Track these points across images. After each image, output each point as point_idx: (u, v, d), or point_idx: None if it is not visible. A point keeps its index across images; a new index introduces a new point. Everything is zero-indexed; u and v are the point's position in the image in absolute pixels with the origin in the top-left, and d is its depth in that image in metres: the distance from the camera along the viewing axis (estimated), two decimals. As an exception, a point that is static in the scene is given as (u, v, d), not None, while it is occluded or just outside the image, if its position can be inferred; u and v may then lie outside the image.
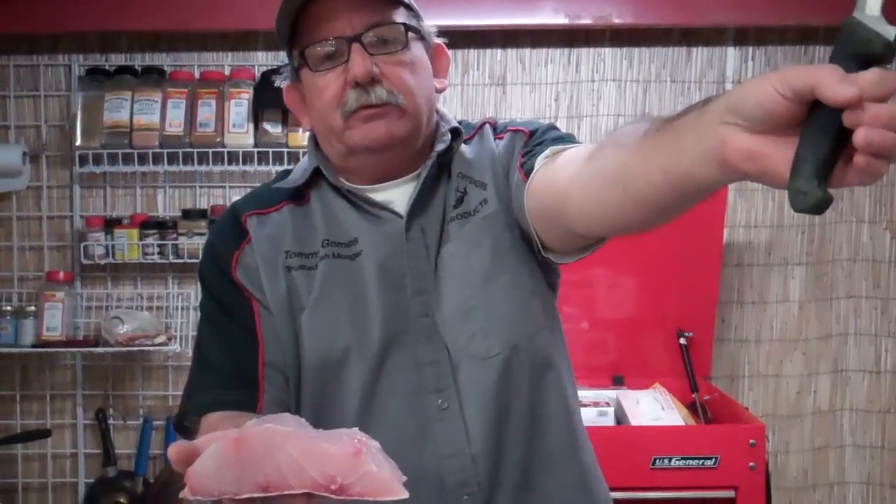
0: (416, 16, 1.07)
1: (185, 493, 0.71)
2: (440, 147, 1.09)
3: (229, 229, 1.10)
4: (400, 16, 1.04)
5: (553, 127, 1.07)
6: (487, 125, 1.14)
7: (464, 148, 1.13)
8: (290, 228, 1.09)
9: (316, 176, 1.11)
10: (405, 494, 0.70)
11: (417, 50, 1.06)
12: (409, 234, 1.07)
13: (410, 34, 1.04)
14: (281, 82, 1.14)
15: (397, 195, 1.09)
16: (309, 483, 0.69)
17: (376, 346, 1.05)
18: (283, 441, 0.71)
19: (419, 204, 1.08)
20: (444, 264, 1.07)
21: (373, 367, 1.04)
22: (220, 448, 0.71)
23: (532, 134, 1.06)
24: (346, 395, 1.05)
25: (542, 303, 1.10)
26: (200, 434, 1.02)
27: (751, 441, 2.07)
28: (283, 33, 1.05)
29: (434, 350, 1.05)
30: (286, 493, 0.70)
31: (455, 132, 1.11)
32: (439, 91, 1.11)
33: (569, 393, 1.13)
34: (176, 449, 0.73)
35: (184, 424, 1.06)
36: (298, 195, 1.11)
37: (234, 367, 1.07)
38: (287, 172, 1.16)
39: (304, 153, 1.20)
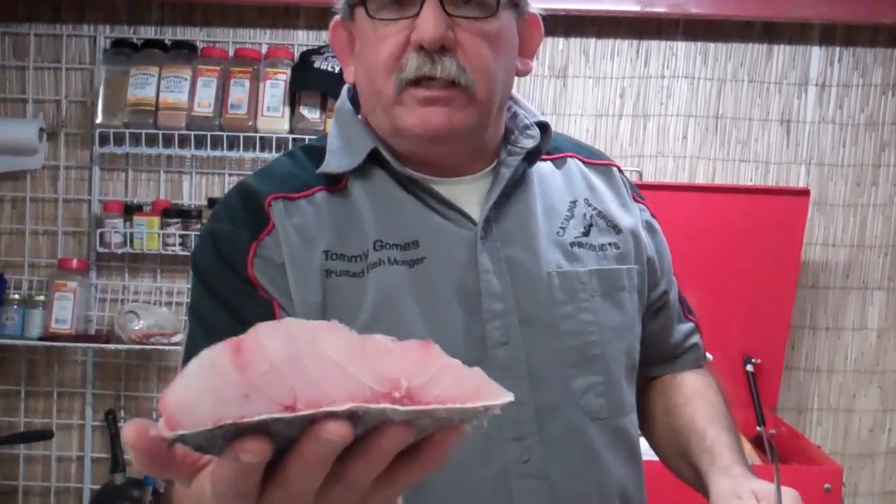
0: None
1: (159, 429, 0.42)
2: (528, 143, 0.91)
3: (243, 213, 0.87)
4: None
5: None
6: (616, 169, 1.02)
7: (589, 172, 0.99)
8: (328, 222, 0.86)
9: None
10: (510, 396, 0.45)
11: (506, 19, 0.85)
12: (485, 242, 0.87)
13: (503, 0, 0.83)
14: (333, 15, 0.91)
15: (467, 193, 0.90)
16: (359, 392, 0.43)
17: None
18: (312, 338, 0.44)
19: (499, 208, 0.89)
20: (568, 290, 0.90)
21: None
22: (212, 358, 0.44)
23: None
24: None
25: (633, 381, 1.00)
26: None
27: (826, 486, 1.86)
28: None
29: (515, 387, 0.84)
30: (324, 409, 0.42)
31: (544, 127, 0.93)
32: (521, 74, 0.91)
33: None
34: (135, 427, 0.42)
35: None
36: (333, 180, 0.89)
37: None
38: (309, 149, 0.93)
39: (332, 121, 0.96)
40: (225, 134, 2.21)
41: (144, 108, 2.20)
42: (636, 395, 0.99)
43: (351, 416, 0.43)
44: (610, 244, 0.94)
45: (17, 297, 2.26)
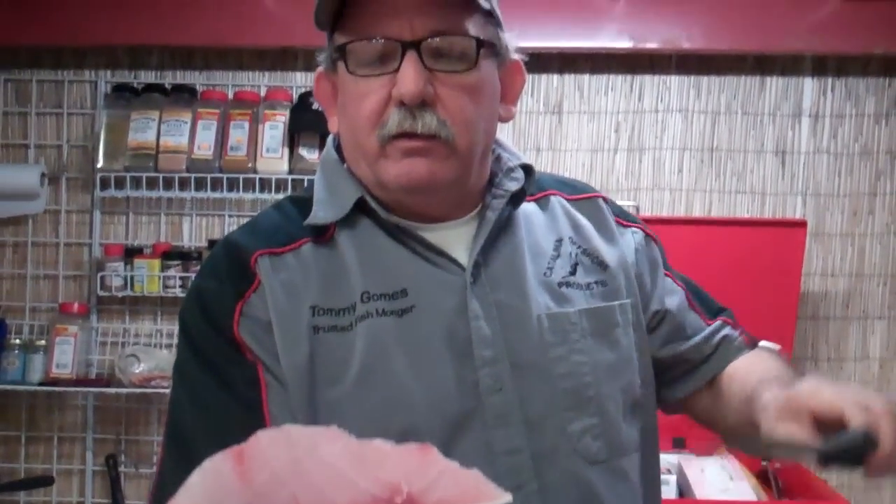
0: (497, 24, 0.87)
1: None
2: (512, 186, 0.90)
3: (229, 271, 0.85)
4: (474, 25, 0.82)
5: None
6: (601, 199, 1.00)
7: (572, 208, 0.98)
8: (314, 276, 0.85)
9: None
10: (508, 497, 0.47)
11: (487, 70, 0.84)
12: (475, 287, 0.86)
13: (483, 51, 0.83)
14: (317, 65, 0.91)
15: (453, 238, 0.89)
16: (361, 498, 0.45)
17: (441, 429, 0.81)
18: (312, 445, 0.46)
19: (487, 251, 0.88)
20: (559, 332, 0.88)
21: None
22: (215, 467, 0.46)
23: (662, 252, 1.03)
24: None
25: (641, 418, 0.95)
26: None
27: (832, 518, 1.84)
28: (323, 13, 0.83)
29: (511, 436, 0.83)
30: None
31: (527, 169, 0.92)
32: (504, 120, 0.90)
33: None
34: None
35: None
36: (319, 231, 0.87)
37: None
38: (296, 200, 0.92)
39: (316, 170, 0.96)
40: (225, 176, 2.23)
41: (145, 151, 2.22)
42: (703, 413, 1.01)
43: None
44: (597, 282, 0.93)
45: (18, 341, 2.26)
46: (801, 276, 2.18)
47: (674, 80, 2.35)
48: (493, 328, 0.85)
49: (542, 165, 2.35)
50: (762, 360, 0.98)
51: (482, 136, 0.85)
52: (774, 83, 2.35)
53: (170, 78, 2.35)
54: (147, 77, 2.36)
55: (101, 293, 2.26)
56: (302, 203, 0.90)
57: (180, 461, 0.81)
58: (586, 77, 2.35)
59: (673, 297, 1.00)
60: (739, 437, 0.95)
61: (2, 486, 2.17)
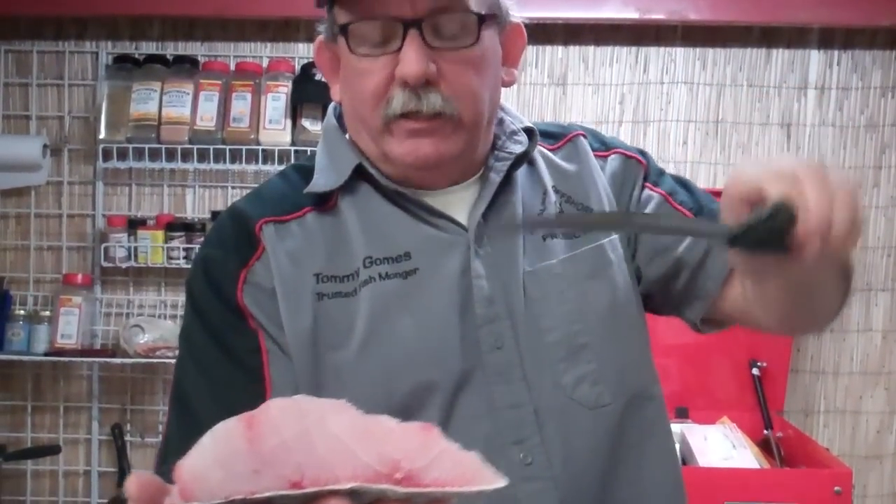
0: None
1: (173, 499, 0.46)
2: (517, 149, 0.91)
3: (233, 239, 0.87)
4: None
5: (662, 172, 1.00)
6: (581, 137, 0.97)
7: (555, 157, 0.96)
8: (318, 243, 0.86)
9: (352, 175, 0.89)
10: (504, 481, 0.47)
11: (489, 40, 0.84)
12: (476, 248, 0.87)
13: (484, 24, 0.82)
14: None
15: (456, 202, 0.90)
16: (361, 471, 0.46)
17: (448, 386, 0.83)
18: (320, 416, 0.48)
19: (488, 213, 0.89)
20: (540, 286, 0.88)
21: (438, 417, 0.83)
22: (226, 431, 0.47)
23: (648, 167, 0.98)
24: None
25: (650, 351, 0.94)
26: None
27: (836, 488, 1.86)
28: None
29: (512, 391, 0.85)
30: (328, 487, 0.46)
31: (530, 132, 0.93)
32: (507, 85, 0.90)
33: (676, 458, 0.95)
34: (138, 481, 0.48)
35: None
36: (323, 199, 0.88)
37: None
38: (300, 168, 0.93)
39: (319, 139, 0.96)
40: (227, 147, 2.22)
41: (147, 122, 2.21)
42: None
43: (352, 494, 0.45)
44: None
45: (22, 312, 2.27)
46: (804, 249, 2.17)
47: (679, 52, 2.34)
48: (494, 287, 0.86)
49: (546, 137, 2.34)
50: None
51: (487, 106, 0.85)
52: (780, 55, 2.33)
53: (171, 49, 2.34)
54: (148, 48, 2.34)
55: (104, 264, 2.26)
56: (306, 171, 0.91)
57: (183, 425, 0.84)
58: (591, 48, 2.34)
59: (648, 207, 0.96)
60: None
61: (10, 455, 2.18)
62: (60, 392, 2.37)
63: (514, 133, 0.92)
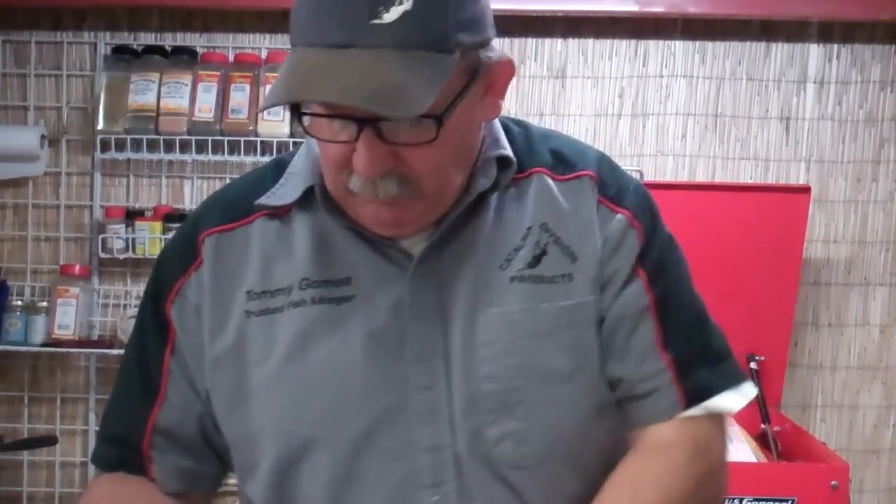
0: (478, 27, 0.76)
1: None
2: (483, 186, 0.83)
3: (182, 245, 0.88)
4: (437, 80, 0.71)
5: (670, 244, 0.90)
6: (588, 179, 0.87)
7: (556, 189, 0.87)
8: (255, 256, 0.85)
9: (310, 192, 0.85)
10: None
11: (458, 114, 0.76)
12: (417, 280, 0.82)
13: (449, 109, 0.74)
14: None
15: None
16: None
17: (357, 423, 0.81)
18: None
19: (441, 245, 0.83)
20: (491, 331, 0.82)
21: (350, 450, 0.81)
22: None
23: (647, 244, 0.86)
24: (312, 484, 0.82)
25: (609, 421, 0.86)
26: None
27: (833, 483, 1.85)
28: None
29: (435, 433, 0.81)
30: None
31: (503, 160, 0.85)
32: (489, 119, 0.85)
33: None
34: None
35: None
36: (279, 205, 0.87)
37: (121, 424, 0.89)
38: (278, 165, 0.89)
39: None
40: (226, 138, 2.21)
41: (145, 113, 2.21)
42: None
43: None
44: (563, 276, 0.84)
45: (19, 303, 2.27)
46: (803, 242, 2.17)
47: (678, 46, 2.33)
48: (430, 324, 0.82)
49: (545, 130, 2.34)
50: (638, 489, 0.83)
51: (456, 172, 0.81)
52: (780, 49, 2.33)
53: (169, 40, 2.33)
54: (147, 39, 2.34)
55: (102, 255, 2.26)
56: (281, 169, 0.89)
57: (104, 416, 0.93)
58: (590, 41, 2.33)
59: (626, 300, 0.86)
60: None
61: (6, 446, 2.18)
62: (57, 383, 2.37)
63: (485, 165, 0.84)
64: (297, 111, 0.76)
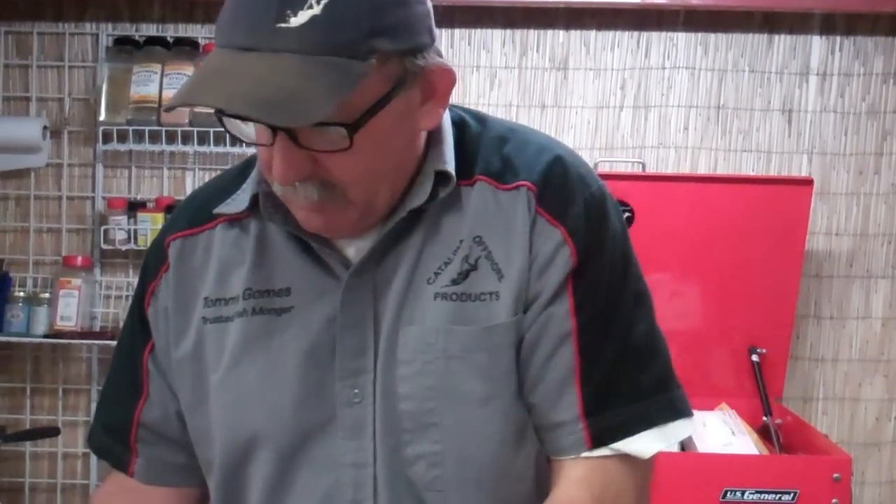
0: (403, 33, 0.72)
1: None
2: (416, 202, 0.79)
3: (154, 248, 0.90)
4: (341, 87, 0.68)
5: (618, 267, 0.82)
6: (529, 190, 0.80)
7: (498, 198, 0.81)
8: (214, 263, 0.85)
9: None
10: None
11: (382, 117, 0.72)
12: (349, 294, 0.80)
13: (365, 120, 0.71)
14: None
15: (355, 242, 0.82)
16: None
17: (289, 436, 0.81)
18: None
19: (377, 256, 0.80)
20: (409, 350, 0.79)
21: (282, 460, 0.82)
22: None
23: (582, 265, 0.79)
24: (252, 489, 0.84)
25: (529, 447, 0.82)
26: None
27: (835, 475, 1.85)
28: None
29: (359, 449, 0.80)
30: None
31: (442, 177, 0.80)
32: (429, 128, 0.80)
33: None
34: None
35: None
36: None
37: (111, 413, 0.92)
38: (246, 166, 0.88)
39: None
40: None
41: (147, 105, 2.21)
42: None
43: None
44: (489, 294, 0.80)
45: (21, 294, 2.27)
46: (805, 235, 2.17)
47: (681, 37, 2.33)
48: (362, 339, 0.80)
49: (547, 122, 2.33)
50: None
51: (385, 180, 0.77)
52: (782, 41, 2.33)
53: (172, 31, 2.34)
54: (149, 30, 2.34)
55: (104, 246, 2.27)
56: (248, 173, 0.87)
57: (98, 404, 0.96)
58: (592, 33, 2.33)
59: (545, 323, 0.80)
60: None
61: (9, 437, 2.18)
62: (59, 374, 2.38)
63: (421, 182, 0.80)
64: (219, 112, 0.72)
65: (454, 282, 0.80)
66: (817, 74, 2.33)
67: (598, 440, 0.79)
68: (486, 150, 0.84)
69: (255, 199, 0.82)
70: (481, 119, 0.88)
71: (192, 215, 0.88)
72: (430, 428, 0.79)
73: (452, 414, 0.79)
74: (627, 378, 0.81)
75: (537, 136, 0.87)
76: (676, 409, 0.82)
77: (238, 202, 0.84)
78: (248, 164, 0.88)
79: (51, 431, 2.26)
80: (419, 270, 0.80)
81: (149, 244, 2.16)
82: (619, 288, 0.82)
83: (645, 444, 0.80)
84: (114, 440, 0.90)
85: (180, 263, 0.86)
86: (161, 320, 0.87)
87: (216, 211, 0.85)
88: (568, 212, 0.80)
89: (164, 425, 0.89)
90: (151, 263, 0.89)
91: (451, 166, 0.80)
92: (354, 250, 0.82)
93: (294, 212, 0.78)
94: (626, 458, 0.80)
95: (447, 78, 0.77)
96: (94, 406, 2.35)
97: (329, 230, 0.79)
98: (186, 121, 2.21)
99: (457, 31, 2.28)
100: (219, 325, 0.84)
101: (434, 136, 0.82)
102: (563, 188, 0.81)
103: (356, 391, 0.80)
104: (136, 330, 0.89)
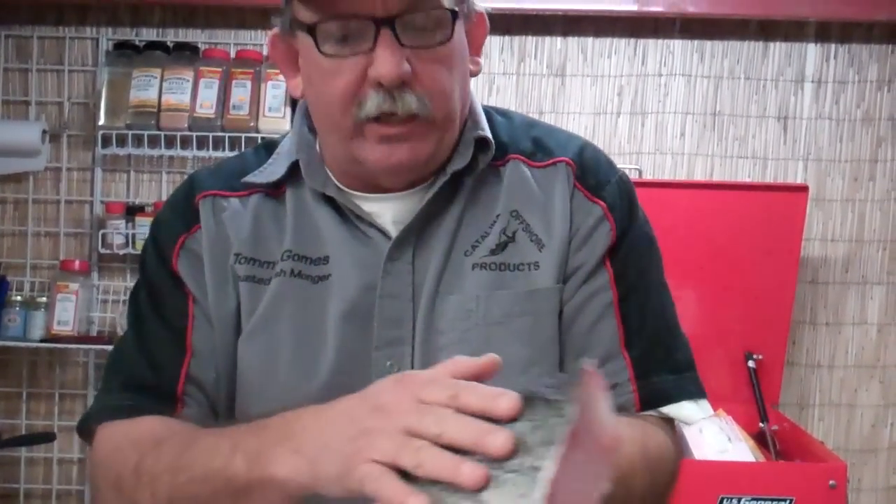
0: None
1: None
2: (458, 164, 0.84)
3: (181, 205, 0.89)
4: None
5: (646, 245, 0.88)
6: (568, 166, 0.86)
7: (531, 176, 0.86)
8: (247, 225, 0.86)
9: (296, 169, 0.86)
10: None
11: (459, 34, 0.80)
12: (391, 264, 0.82)
13: (457, 19, 0.79)
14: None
15: (393, 210, 0.84)
16: None
17: (319, 402, 0.79)
18: None
19: (417, 227, 0.83)
20: (449, 319, 0.82)
21: None
22: None
23: (620, 240, 0.84)
24: None
25: None
26: (98, 446, 0.83)
27: (831, 482, 1.85)
28: None
29: None
30: None
31: (482, 142, 0.85)
32: (474, 75, 0.86)
33: None
34: None
35: (86, 428, 0.87)
36: (274, 184, 0.88)
37: (151, 371, 0.85)
38: (269, 146, 0.91)
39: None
40: (227, 135, 2.22)
41: (147, 109, 2.21)
42: None
43: None
44: (530, 264, 0.83)
45: (19, 298, 2.26)
46: (801, 241, 2.18)
47: (677, 45, 2.35)
48: (402, 309, 0.82)
49: (545, 128, 2.34)
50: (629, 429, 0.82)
51: (458, 104, 0.82)
52: (777, 48, 2.35)
53: (171, 36, 2.34)
54: (149, 35, 2.34)
55: (102, 251, 2.26)
56: (272, 150, 0.90)
57: (107, 380, 0.88)
58: (590, 40, 2.35)
59: (588, 294, 0.84)
60: None
61: (4, 442, 2.17)
62: (56, 379, 2.36)
63: (465, 145, 0.85)
64: (311, 29, 0.76)
65: (492, 252, 0.83)
66: (812, 82, 2.35)
67: (647, 403, 0.83)
68: (515, 133, 0.89)
69: (291, 169, 0.85)
70: (503, 111, 0.93)
71: (219, 180, 0.89)
72: None
73: (493, 381, 0.80)
74: (665, 351, 0.85)
75: (560, 128, 0.94)
76: (702, 388, 0.87)
77: (270, 173, 0.87)
78: (269, 144, 0.91)
79: (46, 437, 2.24)
80: (457, 243, 0.84)
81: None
82: (648, 268, 0.87)
83: (689, 411, 0.84)
84: (153, 397, 0.84)
85: (214, 219, 0.86)
86: (197, 270, 0.85)
87: (247, 179, 0.87)
88: (605, 189, 0.86)
89: (210, 379, 0.85)
90: (174, 222, 0.87)
91: (488, 133, 0.85)
92: (391, 220, 0.84)
93: (368, 152, 0.79)
94: (666, 425, 0.84)
95: (483, 25, 0.85)
96: (90, 410, 2.35)
97: (411, 159, 0.79)
98: (186, 125, 2.21)
99: (455, 38, 2.30)
100: (254, 285, 0.84)
101: (472, 109, 0.87)
102: (598, 168, 0.88)
103: (391, 362, 0.81)
104: (163, 288, 0.86)
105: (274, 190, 0.87)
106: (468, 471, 0.53)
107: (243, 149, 2.22)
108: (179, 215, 0.88)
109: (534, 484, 0.52)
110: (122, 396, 0.84)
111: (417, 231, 0.83)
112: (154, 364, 0.85)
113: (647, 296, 0.86)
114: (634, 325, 0.84)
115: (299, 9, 0.77)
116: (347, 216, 0.84)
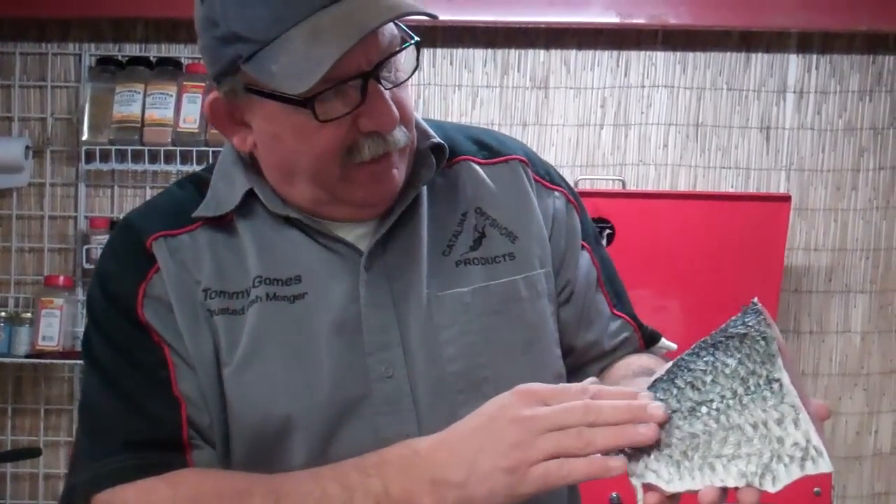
0: None
1: None
2: (427, 176, 0.88)
3: (127, 254, 0.85)
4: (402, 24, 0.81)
5: (589, 227, 1.00)
6: (519, 163, 0.94)
7: (483, 173, 0.92)
8: (207, 258, 0.85)
9: (247, 197, 0.86)
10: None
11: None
12: (367, 274, 0.85)
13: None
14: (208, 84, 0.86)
15: (352, 228, 0.87)
16: None
17: (325, 416, 0.82)
18: None
19: (384, 239, 0.86)
20: (447, 314, 0.86)
21: (320, 440, 0.82)
22: None
23: (583, 219, 0.99)
24: (284, 469, 0.83)
25: None
26: None
27: (816, 490, 1.87)
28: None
29: (400, 422, 0.83)
30: None
31: (437, 149, 0.89)
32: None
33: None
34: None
35: (77, 500, 0.81)
36: (219, 216, 0.86)
37: (150, 425, 0.81)
38: (196, 180, 0.89)
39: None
40: (210, 149, 2.22)
41: (130, 124, 2.21)
42: None
43: None
44: (505, 255, 0.89)
45: (3, 314, 2.26)
46: (784, 251, 2.20)
47: (660, 56, 2.36)
48: (385, 315, 0.84)
49: (529, 140, 2.35)
50: (642, 358, 0.97)
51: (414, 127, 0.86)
52: (759, 59, 2.36)
53: (154, 51, 2.34)
54: (131, 50, 2.34)
55: (86, 266, 2.26)
56: (202, 184, 0.89)
57: (94, 430, 0.83)
58: (573, 52, 2.36)
59: (584, 273, 0.96)
60: None
61: (-11, 458, 2.17)
62: (41, 394, 2.36)
63: (423, 155, 0.88)
64: (308, 101, 0.76)
65: (472, 248, 0.89)
66: (794, 92, 2.36)
67: (648, 342, 1.00)
68: (451, 136, 0.93)
69: (243, 198, 0.85)
70: (428, 119, 0.96)
71: (162, 220, 0.87)
72: (482, 383, 0.85)
73: (501, 365, 0.86)
74: (627, 299, 1.01)
75: (487, 128, 1.04)
76: None
77: (218, 205, 0.85)
78: (197, 178, 0.90)
79: (32, 452, 2.24)
80: (431, 245, 0.87)
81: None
82: (593, 231, 1.01)
83: (669, 343, 1.02)
84: (161, 450, 0.81)
85: (170, 259, 0.84)
86: (165, 316, 0.83)
87: (196, 214, 0.86)
88: (555, 177, 0.97)
89: (206, 422, 0.83)
90: (128, 271, 0.84)
91: (440, 139, 0.89)
92: (354, 234, 0.87)
93: (356, 189, 0.82)
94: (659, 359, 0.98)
95: None
96: (75, 427, 2.34)
97: (397, 185, 0.84)
98: (169, 140, 2.21)
99: (439, 51, 2.31)
100: (228, 317, 0.83)
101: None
102: (541, 160, 0.98)
103: (388, 365, 0.84)
104: (132, 342, 0.83)
105: (218, 222, 0.86)
106: (643, 429, 0.62)
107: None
108: (130, 264, 0.84)
109: (781, 391, 0.62)
110: (124, 458, 0.80)
111: (383, 242, 0.86)
112: (151, 418, 0.82)
113: (609, 262, 1.00)
114: (616, 291, 0.99)
115: (269, 80, 0.75)
116: (311, 235, 0.86)
